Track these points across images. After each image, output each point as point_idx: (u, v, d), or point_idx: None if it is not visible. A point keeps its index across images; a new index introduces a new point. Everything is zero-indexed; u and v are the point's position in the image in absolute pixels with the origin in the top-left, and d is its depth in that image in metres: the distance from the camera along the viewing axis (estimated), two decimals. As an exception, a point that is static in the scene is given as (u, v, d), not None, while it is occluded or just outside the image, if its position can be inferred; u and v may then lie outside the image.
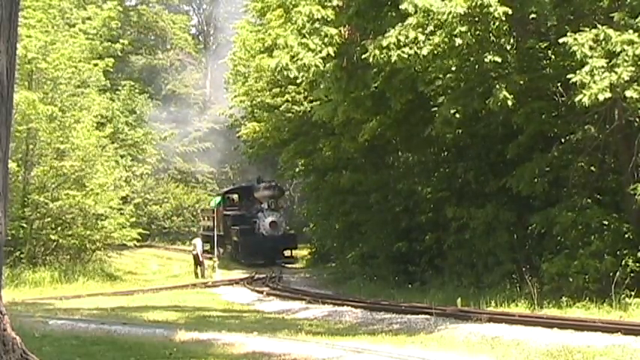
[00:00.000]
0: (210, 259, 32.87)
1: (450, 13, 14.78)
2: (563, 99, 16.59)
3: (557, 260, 16.22)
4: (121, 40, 36.78)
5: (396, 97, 20.21)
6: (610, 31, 14.14)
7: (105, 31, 32.82)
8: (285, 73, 17.70)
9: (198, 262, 31.53)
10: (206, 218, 42.40)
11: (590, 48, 14.08)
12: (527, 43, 17.66)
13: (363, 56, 16.43)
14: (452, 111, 16.69)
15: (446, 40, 15.33)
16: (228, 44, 50.55)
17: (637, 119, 15.85)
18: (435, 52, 15.60)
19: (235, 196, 40.87)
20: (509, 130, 18.82)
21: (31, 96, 26.07)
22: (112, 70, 33.17)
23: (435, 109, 18.66)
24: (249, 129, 34.79)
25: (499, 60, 16.00)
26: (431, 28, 15.42)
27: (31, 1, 27.93)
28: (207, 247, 40.17)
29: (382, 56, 15.68)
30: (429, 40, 15.39)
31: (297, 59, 17.13)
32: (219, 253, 37.68)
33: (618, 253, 15.82)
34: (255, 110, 34.69)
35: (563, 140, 17.92)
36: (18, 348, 5.31)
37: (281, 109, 31.75)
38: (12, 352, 5.23)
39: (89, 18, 32.47)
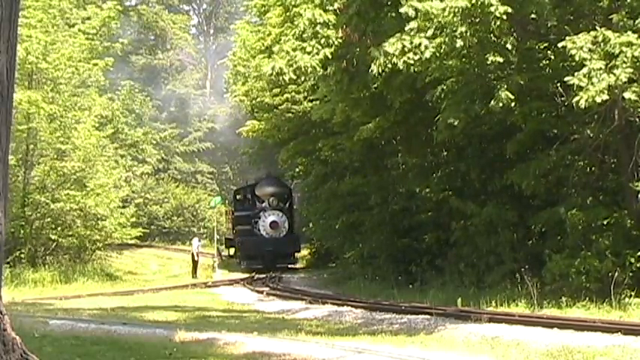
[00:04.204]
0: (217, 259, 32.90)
1: (452, 8, 14.70)
2: (563, 99, 16.57)
3: (559, 260, 16.21)
4: (120, 40, 36.79)
5: (396, 96, 20.19)
6: (609, 33, 14.12)
7: (105, 31, 32.82)
8: (281, 77, 17.58)
9: (193, 261, 31.66)
10: (227, 220, 40.26)
11: (590, 50, 14.05)
12: (527, 44, 17.62)
13: (371, 66, 16.26)
14: (455, 120, 16.66)
15: (447, 41, 15.28)
16: (228, 44, 50.62)
17: (637, 119, 15.84)
18: (437, 54, 15.55)
19: (245, 195, 37.61)
20: (510, 129, 18.80)
21: (33, 95, 26.08)
22: (112, 70, 33.19)
23: (439, 116, 18.58)
24: (250, 127, 34.80)
25: (501, 60, 15.96)
26: (432, 31, 15.36)
27: (32, 1, 27.93)
28: (232, 251, 38.44)
29: (387, 63, 15.60)
30: (431, 42, 15.34)
31: (294, 62, 16.98)
32: (220, 253, 37.60)
33: (620, 253, 15.80)
34: (256, 110, 34.72)
35: (563, 140, 17.92)
36: (18, 348, 5.31)
37: (281, 108, 31.77)
38: (12, 352, 5.23)
39: (89, 18, 32.47)
